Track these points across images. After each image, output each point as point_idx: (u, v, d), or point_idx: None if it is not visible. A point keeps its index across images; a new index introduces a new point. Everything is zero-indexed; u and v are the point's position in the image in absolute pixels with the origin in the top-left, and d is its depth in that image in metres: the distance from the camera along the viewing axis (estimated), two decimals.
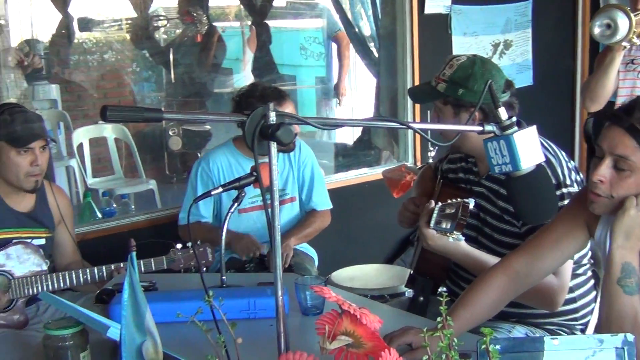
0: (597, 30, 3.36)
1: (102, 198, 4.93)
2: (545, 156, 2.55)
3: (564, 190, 2.54)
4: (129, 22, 6.50)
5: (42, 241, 3.13)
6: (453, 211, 2.47)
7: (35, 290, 2.97)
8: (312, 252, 3.97)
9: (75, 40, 6.30)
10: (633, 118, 1.91)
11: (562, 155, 2.64)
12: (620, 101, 3.63)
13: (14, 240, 3.03)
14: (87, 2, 6.06)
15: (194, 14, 6.15)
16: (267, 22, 6.16)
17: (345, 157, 5.86)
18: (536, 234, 2.32)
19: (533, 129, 1.91)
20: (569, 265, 2.47)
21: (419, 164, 5.05)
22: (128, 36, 6.64)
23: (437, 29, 5.09)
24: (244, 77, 6.59)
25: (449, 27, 5.13)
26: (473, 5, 5.21)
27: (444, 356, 1.49)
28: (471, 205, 2.46)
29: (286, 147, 3.65)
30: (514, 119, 1.91)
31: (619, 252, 1.94)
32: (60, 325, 2.13)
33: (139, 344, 1.70)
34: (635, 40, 3.36)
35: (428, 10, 5.02)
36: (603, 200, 1.99)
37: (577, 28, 5.78)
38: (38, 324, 3.00)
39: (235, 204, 2.82)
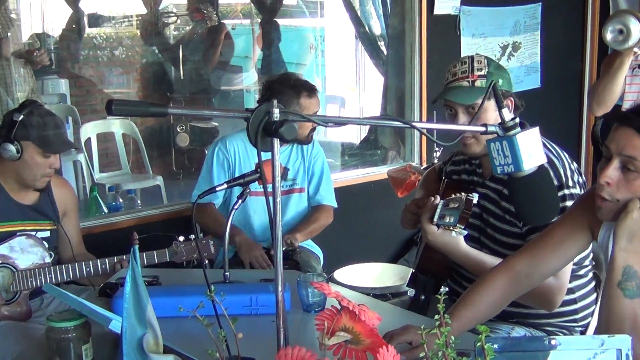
0: (609, 36, 3.36)
1: (108, 193, 4.94)
2: (548, 157, 2.56)
3: (566, 191, 2.54)
4: (139, 18, 6.52)
5: (47, 234, 3.15)
6: (457, 205, 2.47)
7: (39, 283, 2.99)
8: (318, 251, 3.99)
9: (85, 36, 6.32)
10: None
11: (565, 156, 2.65)
12: (627, 105, 3.63)
13: (18, 233, 3.04)
14: None
15: (204, 11, 6.16)
16: (276, 20, 6.16)
17: (352, 156, 5.87)
18: (539, 235, 2.32)
19: (536, 130, 1.91)
20: (568, 267, 2.47)
21: (424, 164, 5.04)
22: (138, 32, 6.66)
23: (445, 30, 5.10)
24: (252, 75, 6.61)
25: (458, 28, 5.14)
26: (482, 6, 5.21)
27: (440, 354, 1.50)
28: (475, 200, 2.45)
29: (305, 140, 3.70)
30: (517, 120, 1.91)
31: (621, 255, 1.94)
32: (63, 317, 2.15)
33: (140, 336, 1.71)
34: None
35: (437, 10, 5.02)
36: (610, 205, 1.98)
37: (587, 31, 5.77)
38: (41, 316, 3.01)
39: (240, 201, 2.84)
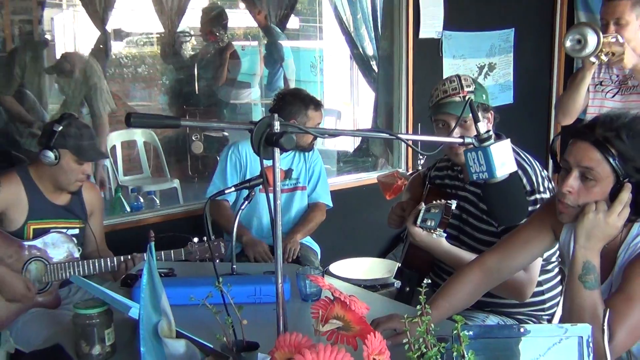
0: (568, 44, 3.34)
1: (131, 194, 4.93)
2: (522, 165, 2.56)
3: (538, 196, 2.54)
4: (159, 39, 6.52)
5: (76, 231, 3.14)
6: (437, 211, 2.49)
7: (68, 274, 2.99)
8: (316, 246, 3.99)
9: (112, 54, 6.31)
10: (596, 133, 1.91)
11: (537, 165, 2.65)
12: (589, 118, 3.62)
13: (52, 230, 3.05)
14: (122, 20, 6.07)
15: (217, 34, 6.16)
16: (280, 42, 6.15)
17: (346, 163, 5.86)
18: (508, 235, 2.32)
19: (507, 142, 1.90)
20: (537, 262, 2.47)
21: (410, 171, 5.03)
22: (158, 51, 6.65)
23: (429, 52, 5.09)
24: (259, 90, 6.61)
25: (440, 50, 5.13)
26: (462, 31, 5.20)
27: (421, 340, 1.50)
28: (453, 206, 2.47)
29: (308, 147, 3.71)
30: (491, 132, 1.90)
31: (581, 252, 1.94)
32: (88, 305, 2.14)
33: (155, 322, 1.70)
34: (603, 57, 3.34)
35: (422, 35, 5.02)
36: (571, 210, 1.99)
37: (554, 54, 5.77)
38: (69, 304, 3.01)
39: (246, 202, 2.83)
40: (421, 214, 2.53)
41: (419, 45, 5.03)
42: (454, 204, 2.47)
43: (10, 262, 2.93)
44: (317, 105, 3.71)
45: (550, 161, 2.32)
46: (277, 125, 1.67)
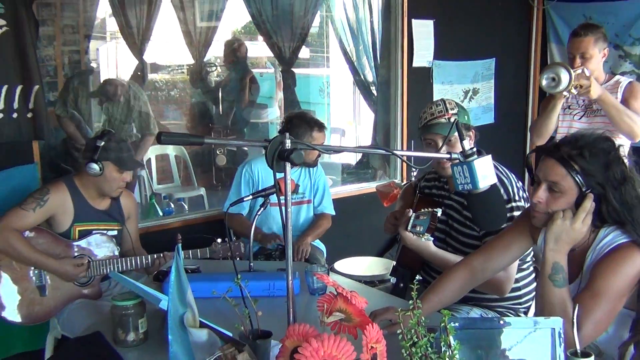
0: (544, 82, 3.34)
1: (163, 200, 4.93)
2: (500, 178, 2.54)
3: (514, 204, 2.53)
4: (188, 67, 6.53)
5: (115, 232, 3.14)
6: (425, 218, 2.48)
7: (108, 270, 2.99)
8: (322, 247, 3.97)
9: (148, 80, 6.33)
10: (562, 151, 1.91)
11: (513, 177, 2.63)
12: (559, 137, 3.60)
13: (94, 231, 3.05)
14: (157, 51, 6.09)
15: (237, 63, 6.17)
16: (293, 69, 6.16)
17: (349, 174, 5.84)
18: (491, 238, 2.31)
19: (489, 157, 1.89)
20: (515, 263, 2.45)
21: (405, 181, 5.03)
22: (187, 78, 6.67)
23: (422, 78, 5.08)
24: (275, 111, 6.61)
25: (431, 77, 5.12)
26: (450, 60, 5.19)
27: (413, 330, 1.48)
28: (439, 214, 2.46)
29: (313, 164, 3.68)
30: (475, 148, 1.89)
31: (551, 254, 1.93)
32: (124, 298, 2.14)
33: (181, 314, 1.69)
34: (573, 90, 3.33)
35: (415, 64, 5.01)
36: (542, 215, 1.99)
37: (530, 80, 5.76)
38: (109, 296, 3.01)
39: (262, 208, 2.83)
40: (411, 221, 2.53)
41: (412, 72, 5.03)
42: (439, 212, 2.46)
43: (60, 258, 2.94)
44: (320, 127, 3.66)
45: (527, 174, 2.31)
46: (288, 143, 1.66)
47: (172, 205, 4.72)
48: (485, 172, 1.86)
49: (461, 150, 1.88)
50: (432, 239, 2.49)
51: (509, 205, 2.51)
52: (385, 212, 3.23)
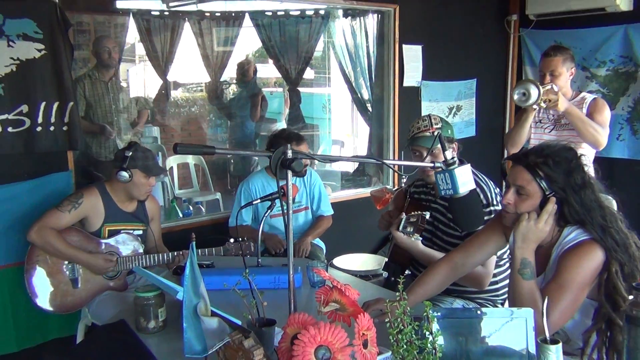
0: (516, 97, 3.34)
1: (183, 204, 4.93)
2: (479, 184, 2.53)
3: (492, 207, 2.52)
4: (206, 86, 6.55)
5: (140, 232, 3.13)
6: (415, 220, 2.47)
7: (133, 265, 2.98)
8: (322, 244, 3.94)
9: (171, 98, 6.35)
10: (529, 159, 1.91)
11: (491, 183, 2.62)
12: None
13: (122, 231, 3.04)
14: (179, 71, 6.11)
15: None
16: (299, 88, 6.16)
17: (347, 180, 5.82)
18: (470, 237, 2.30)
19: (468, 166, 1.89)
20: (492, 259, 2.44)
21: (396, 187, 5.01)
22: (205, 95, 6.68)
23: (411, 96, 5.07)
24: (283, 125, 6.61)
25: (420, 95, 5.11)
26: (436, 81, 5.18)
27: (399, 319, 1.47)
28: (427, 217, 2.46)
29: (299, 174, 3.63)
30: (455, 158, 1.88)
31: (519, 251, 1.93)
32: (146, 289, 2.14)
33: (195, 304, 1.68)
34: (542, 104, 3.33)
35: (406, 84, 5.00)
36: (511, 215, 1.99)
37: (507, 98, 5.74)
38: (133, 288, 2.99)
39: (269, 210, 2.82)
40: (402, 222, 2.52)
41: (403, 91, 5.02)
42: (427, 215, 2.46)
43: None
44: (298, 139, 3.51)
45: (503, 179, 2.31)
46: (289, 153, 1.66)
47: (191, 208, 4.72)
48: (465, 179, 1.86)
49: (444, 159, 1.88)
50: (421, 238, 2.49)
51: (488, 209, 2.50)
52: (378, 214, 3.21)
